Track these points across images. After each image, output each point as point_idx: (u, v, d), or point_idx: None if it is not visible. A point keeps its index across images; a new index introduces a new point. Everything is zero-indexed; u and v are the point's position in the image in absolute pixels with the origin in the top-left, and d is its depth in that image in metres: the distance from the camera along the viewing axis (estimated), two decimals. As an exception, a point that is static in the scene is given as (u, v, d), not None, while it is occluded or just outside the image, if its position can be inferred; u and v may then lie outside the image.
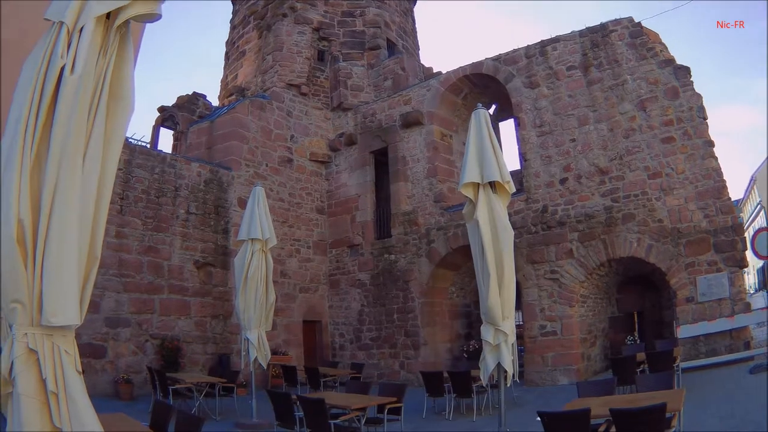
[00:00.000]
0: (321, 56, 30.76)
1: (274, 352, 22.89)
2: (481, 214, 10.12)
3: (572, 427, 8.52)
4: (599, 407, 8.83)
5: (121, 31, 5.04)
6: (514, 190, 11.24)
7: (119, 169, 20.67)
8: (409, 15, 36.01)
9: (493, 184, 10.35)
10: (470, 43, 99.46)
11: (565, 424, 8.68)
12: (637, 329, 23.65)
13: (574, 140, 21.82)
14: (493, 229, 10.13)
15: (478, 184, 10.33)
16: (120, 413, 11.14)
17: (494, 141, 10.59)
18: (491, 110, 27.62)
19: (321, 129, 29.66)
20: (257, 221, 16.81)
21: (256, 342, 16.56)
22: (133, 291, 20.56)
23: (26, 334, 4.37)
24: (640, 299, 23.67)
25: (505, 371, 9.95)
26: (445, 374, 17.64)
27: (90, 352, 19.02)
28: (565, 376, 20.51)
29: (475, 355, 22.36)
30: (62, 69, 4.64)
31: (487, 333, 10.07)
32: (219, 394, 17.83)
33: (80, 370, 4.60)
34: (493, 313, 9.90)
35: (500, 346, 9.95)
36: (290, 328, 25.82)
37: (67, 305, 4.45)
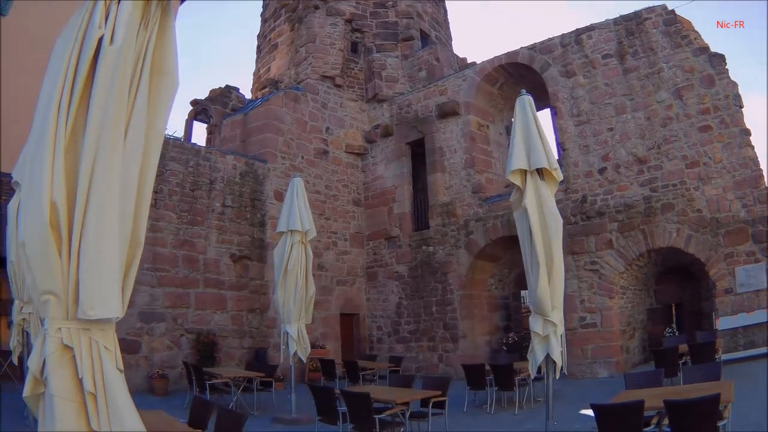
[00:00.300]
0: (354, 48, 30.79)
1: (311, 346, 22.88)
2: (530, 201, 9.97)
3: (625, 419, 8.49)
4: (650, 399, 8.78)
5: (162, 3, 4.63)
6: (562, 177, 11.09)
7: None
8: (441, 5, 35.97)
9: (540, 171, 10.22)
10: (502, 32, 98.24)
11: (618, 416, 8.64)
12: (675, 321, 23.29)
13: (611, 129, 21.62)
14: (542, 217, 10.01)
15: (526, 171, 10.12)
16: (158, 410, 11.16)
17: (540, 127, 10.46)
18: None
19: (356, 121, 29.63)
20: (296, 213, 16.69)
21: (296, 335, 16.45)
22: (167, 285, 20.66)
23: (60, 328, 4.00)
24: (679, 290, 23.39)
25: (554, 362, 9.82)
26: (487, 367, 17.43)
27: (124, 347, 18.76)
28: (605, 369, 20.40)
29: (515, 347, 22.85)
30: (100, 40, 4.30)
31: (535, 323, 9.95)
32: (257, 389, 17.69)
33: (121, 368, 4.24)
34: (542, 304, 9.79)
35: (549, 337, 9.82)
36: (327, 321, 25.79)
37: (107, 296, 4.07)
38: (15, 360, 12.80)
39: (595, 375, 20.39)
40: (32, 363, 3.98)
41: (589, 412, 14.07)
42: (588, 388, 18.49)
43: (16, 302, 11.89)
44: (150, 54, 4.49)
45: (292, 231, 16.56)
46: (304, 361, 17.74)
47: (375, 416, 11.65)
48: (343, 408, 12.39)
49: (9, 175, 19.87)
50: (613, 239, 20.95)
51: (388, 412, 12.25)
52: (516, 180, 10.18)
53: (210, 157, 22.87)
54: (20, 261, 4.22)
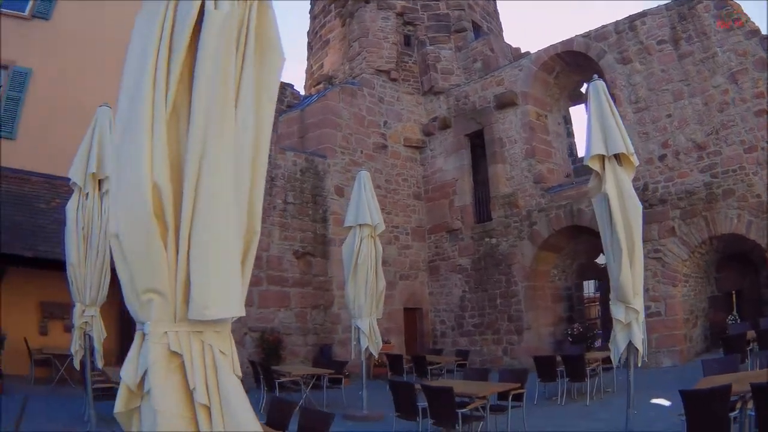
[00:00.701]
0: (407, 41, 31.32)
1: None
2: (610, 187, 10.33)
3: (713, 404, 8.70)
4: (736, 384, 8.96)
5: None
6: (638, 162, 11.30)
7: None
8: None
9: (617, 157, 10.62)
10: (552, 21, 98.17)
11: (706, 401, 8.85)
12: (735, 308, 23.24)
13: (670, 116, 21.86)
14: (622, 203, 10.27)
15: (604, 156, 10.55)
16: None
17: (615, 111, 10.87)
18: (583, 89, 27.85)
19: (413, 114, 30.19)
20: (365, 206, 17.14)
21: (368, 330, 16.80)
22: None
23: (166, 333, 3.59)
24: (740, 278, 23.58)
25: (636, 350, 10.20)
26: (558, 358, 17.78)
27: None
28: (669, 358, 20.69)
29: (580, 338, 23.26)
30: (202, 5, 3.83)
31: (618, 311, 10.29)
32: (326, 386, 17.89)
33: (239, 374, 3.81)
34: (625, 290, 10.12)
35: (631, 324, 10.17)
36: (391, 315, 26.29)
37: (226, 293, 3.67)
38: (77, 364, 12.73)
39: (659, 364, 20.56)
40: (127, 374, 3.62)
41: (661, 401, 14.94)
42: (654, 377, 18.63)
43: (78, 305, 12.13)
44: (253, 26, 4.10)
45: (360, 225, 17.06)
46: (376, 357, 18.29)
47: (458, 411, 11.77)
48: (422, 403, 12.51)
49: (62, 178, 20.99)
50: (676, 227, 21.24)
51: (470, 406, 12.26)
52: (595, 166, 10.64)
53: (270, 153, 23.10)
54: (115, 256, 3.69)
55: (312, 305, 24.08)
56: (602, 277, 24.54)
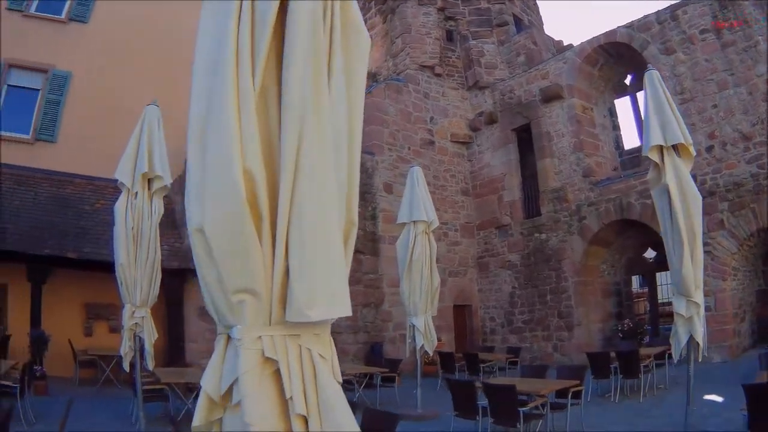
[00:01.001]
0: (449, 36, 31.87)
1: None
2: (670, 178, 10.31)
3: None
4: None
5: None
6: (695, 153, 11.28)
7: None
8: None
9: (675, 147, 10.60)
10: (593, 12, 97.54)
11: None
12: None
13: (715, 106, 21.91)
14: (683, 194, 10.21)
15: (662, 146, 10.55)
16: None
17: (671, 101, 10.96)
18: (627, 80, 28.12)
19: (459, 109, 30.69)
20: (419, 202, 17.32)
21: (423, 328, 16.85)
22: None
23: (260, 337, 3.25)
24: None
25: (697, 344, 10.29)
26: (612, 354, 17.68)
27: None
28: (718, 354, 20.58)
29: (631, 334, 23.43)
30: None
31: (679, 305, 10.31)
32: (379, 385, 17.99)
33: (340, 379, 3.49)
34: (687, 283, 10.16)
35: (693, 318, 10.21)
36: (441, 313, 25.42)
37: (331, 290, 3.33)
38: (126, 366, 12.66)
39: (709, 360, 19.21)
40: (209, 383, 3.33)
41: (713, 397, 15.21)
42: (705, 373, 17.60)
43: (127, 306, 12.22)
44: (338, 8, 3.72)
45: (415, 222, 17.24)
46: (431, 355, 18.41)
47: (519, 409, 11.79)
48: (482, 402, 12.53)
49: (105, 179, 21.48)
50: (725, 219, 21.28)
51: (531, 405, 12.23)
52: (654, 157, 10.64)
53: None
54: (198, 253, 3.32)
55: (363, 303, 24.58)
56: (650, 272, 25.39)
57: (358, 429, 3.34)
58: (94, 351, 19.99)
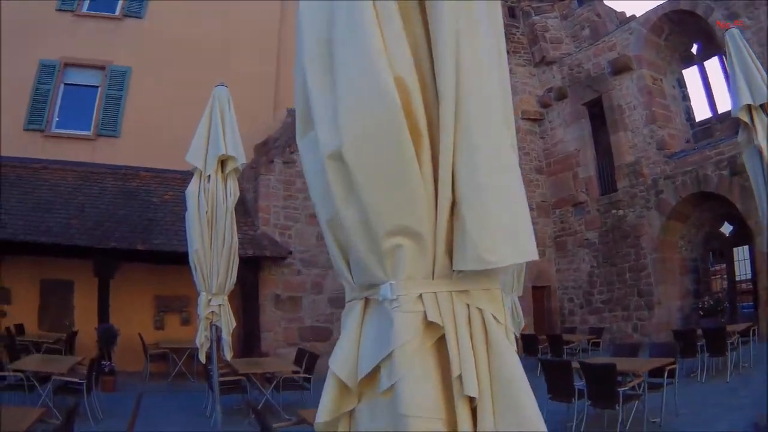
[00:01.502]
0: (512, 13, 31.20)
1: None
2: (762, 138, 9.69)
3: None
4: None
5: None
6: None
7: None
8: None
9: (763, 107, 9.97)
10: None
11: None
12: None
13: None
14: None
15: (750, 106, 9.94)
16: None
17: (755, 59, 10.39)
18: (693, 50, 27.04)
19: (528, 86, 29.98)
20: None
21: (511, 308, 15.04)
22: None
23: (421, 296, 2.33)
24: None
25: None
26: (699, 331, 16.98)
27: (314, 335, 20.09)
28: None
29: (711, 312, 22.47)
30: None
31: None
32: None
33: (515, 348, 2.44)
34: None
35: None
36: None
37: (514, 227, 2.37)
38: (202, 357, 12.01)
39: None
40: (342, 366, 2.47)
41: None
42: None
43: (203, 294, 11.52)
44: None
45: None
46: (517, 336, 17.16)
47: (619, 389, 11.21)
48: (579, 383, 12.02)
49: (171, 171, 21.45)
50: None
51: (630, 384, 11.67)
52: (744, 117, 10.02)
53: None
54: (335, 184, 2.44)
55: None
56: (727, 247, 24.26)
57: (539, 415, 2.27)
58: (166, 344, 19.76)
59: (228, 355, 12.06)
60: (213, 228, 11.60)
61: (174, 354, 19.36)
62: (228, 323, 11.71)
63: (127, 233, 18.96)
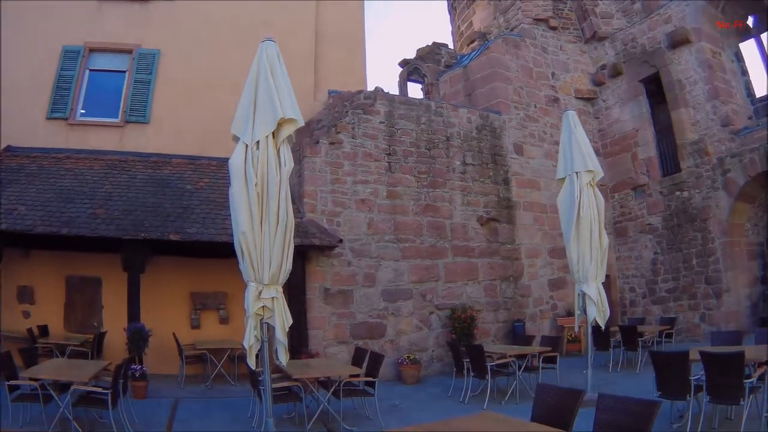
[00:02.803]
0: None
1: (568, 314, 21.59)
2: None
3: None
4: None
5: None
6: None
7: (380, 122, 19.84)
8: None
9: None
10: None
11: None
12: None
13: None
14: None
15: None
16: (488, 412, 10.22)
17: None
18: (750, 22, 25.37)
19: (579, 63, 28.28)
20: (580, 150, 14.85)
21: (597, 296, 14.40)
22: (412, 257, 19.87)
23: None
24: None
25: None
26: None
27: (366, 332, 18.57)
28: None
29: None
30: None
31: None
32: (541, 367, 15.74)
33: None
34: None
35: None
36: None
37: None
38: (252, 362, 9.66)
39: None
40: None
41: None
42: None
43: (252, 285, 9.39)
44: None
45: (578, 173, 14.70)
46: (603, 329, 15.82)
47: (746, 381, 9.77)
48: (698, 377, 10.50)
49: (204, 158, 20.91)
50: None
51: (756, 375, 10.24)
52: None
53: (442, 111, 21.92)
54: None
55: (501, 277, 21.98)
56: None
57: None
58: (203, 345, 17.80)
59: (284, 358, 9.53)
60: (264, 205, 9.46)
61: (212, 355, 17.41)
62: (283, 320, 9.43)
63: (159, 223, 17.05)
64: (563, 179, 15.21)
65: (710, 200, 23.23)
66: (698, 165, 23.79)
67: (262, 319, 9.44)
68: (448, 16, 35.61)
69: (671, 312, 23.86)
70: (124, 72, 22.52)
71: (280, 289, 9.54)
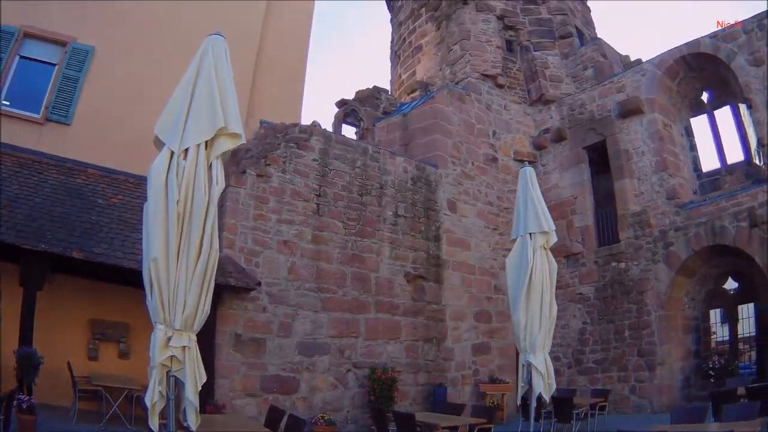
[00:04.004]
0: (509, 47, 28.95)
1: (491, 380, 20.26)
2: None
3: None
4: None
5: None
6: None
7: (314, 160, 18.26)
8: (585, 4, 34.14)
9: None
10: (648, 30, 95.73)
11: None
12: None
13: None
14: None
15: None
16: None
17: None
18: (704, 98, 25.05)
19: (522, 125, 27.52)
20: (537, 209, 14.11)
21: (544, 368, 13.32)
22: (333, 309, 18.36)
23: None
24: None
25: None
26: (739, 390, 14.58)
27: (278, 385, 16.93)
28: None
29: (721, 373, 20.45)
30: None
31: None
32: None
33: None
34: None
35: None
36: (505, 351, 22.96)
37: None
38: (155, 424, 7.33)
39: None
40: None
41: None
42: None
43: (159, 328, 7.25)
44: None
45: (531, 234, 13.88)
46: (547, 402, 14.60)
47: None
48: None
49: (123, 173, 19.17)
50: None
51: None
52: None
53: (378, 157, 20.76)
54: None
55: (424, 338, 20.65)
56: (731, 305, 22.46)
57: None
58: (99, 380, 15.74)
59: (193, 422, 7.34)
60: (185, 229, 7.47)
61: (108, 393, 15.39)
62: (195, 376, 7.35)
63: (63, 236, 15.16)
64: (515, 239, 14.41)
65: (649, 272, 22.74)
66: (638, 237, 23.31)
67: (169, 371, 7.31)
68: (389, 63, 35.23)
69: (598, 383, 23.13)
70: (54, 65, 20.81)
71: (194, 338, 7.45)
